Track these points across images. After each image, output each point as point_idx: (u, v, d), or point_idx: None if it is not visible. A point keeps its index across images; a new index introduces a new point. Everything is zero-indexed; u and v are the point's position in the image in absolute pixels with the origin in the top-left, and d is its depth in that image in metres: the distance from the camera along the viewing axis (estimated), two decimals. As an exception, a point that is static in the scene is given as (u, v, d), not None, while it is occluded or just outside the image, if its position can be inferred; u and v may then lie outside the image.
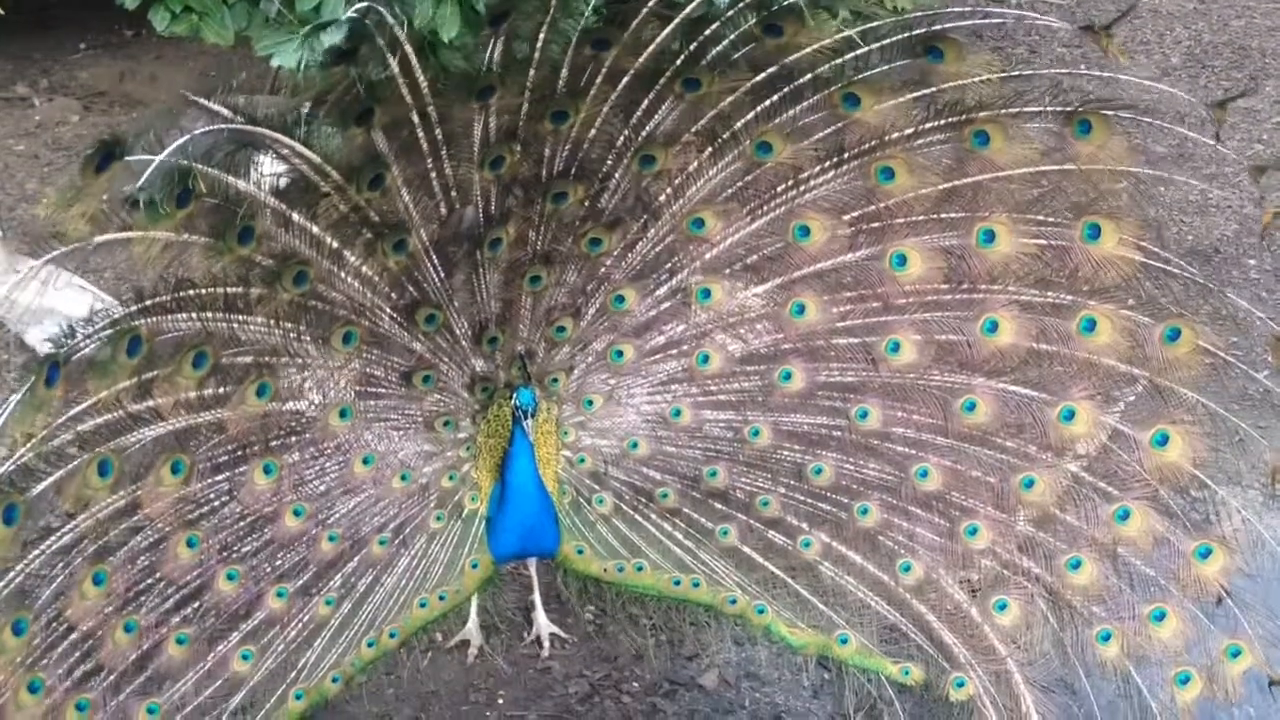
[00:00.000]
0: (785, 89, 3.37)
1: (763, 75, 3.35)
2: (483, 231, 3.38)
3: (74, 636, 3.18)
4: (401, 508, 3.53)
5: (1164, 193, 6.96)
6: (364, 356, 3.42)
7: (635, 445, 3.60)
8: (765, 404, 3.55)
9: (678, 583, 3.65)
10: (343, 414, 3.41)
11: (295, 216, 3.21)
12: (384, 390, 3.48)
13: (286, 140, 3.08)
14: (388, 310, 3.40)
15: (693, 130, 3.39)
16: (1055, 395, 3.46)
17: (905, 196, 3.40)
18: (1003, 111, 3.36)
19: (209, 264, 3.15)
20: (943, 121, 3.37)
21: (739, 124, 3.37)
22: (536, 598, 4.08)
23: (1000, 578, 3.56)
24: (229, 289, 3.18)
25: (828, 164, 3.39)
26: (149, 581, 3.26)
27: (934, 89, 3.37)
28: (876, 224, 3.42)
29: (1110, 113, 3.44)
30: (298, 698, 3.47)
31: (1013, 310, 3.43)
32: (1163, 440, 3.48)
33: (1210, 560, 3.49)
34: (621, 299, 3.51)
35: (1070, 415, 3.46)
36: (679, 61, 3.33)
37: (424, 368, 3.49)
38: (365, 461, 3.47)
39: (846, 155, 3.38)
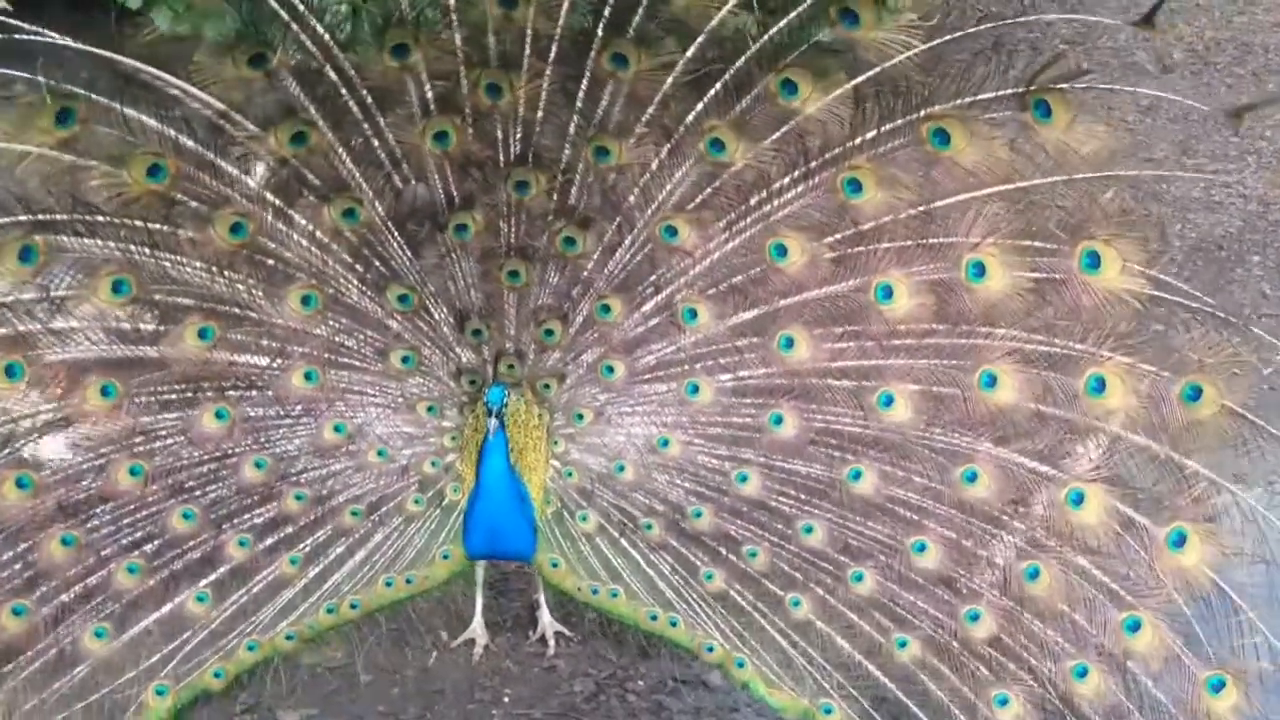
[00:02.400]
0: (725, 77, 3.23)
1: (692, 49, 3.21)
2: (445, 214, 3.39)
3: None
4: (379, 483, 3.56)
5: (1167, 189, 6.97)
6: (330, 324, 3.45)
7: (621, 469, 3.55)
8: (756, 445, 3.46)
9: (654, 617, 3.60)
10: (308, 376, 3.45)
11: (221, 163, 3.29)
12: (358, 363, 3.51)
13: (165, 76, 3.18)
14: (354, 282, 3.43)
15: (642, 120, 3.30)
16: (1063, 473, 3.26)
17: (882, 218, 3.24)
18: (954, 105, 3.15)
19: (115, 193, 3.26)
20: (900, 122, 3.18)
21: (688, 118, 3.27)
22: (541, 596, 4.07)
23: (1003, 669, 3.37)
24: (150, 224, 3.28)
25: (794, 175, 3.27)
26: (91, 502, 3.36)
27: (864, 71, 3.18)
28: (859, 249, 3.27)
29: (1066, 86, 3.12)
30: (250, 648, 3.55)
31: (1013, 362, 3.25)
32: (1180, 540, 3.26)
33: (1223, 695, 3.25)
34: (608, 308, 3.47)
35: (1079, 499, 3.28)
36: (600, 32, 3.23)
37: (402, 347, 3.51)
38: (336, 429, 3.50)
39: (810, 164, 3.24)
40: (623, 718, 3.87)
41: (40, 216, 3.25)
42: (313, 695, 3.82)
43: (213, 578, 3.49)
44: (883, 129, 3.19)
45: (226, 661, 3.55)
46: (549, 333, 3.52)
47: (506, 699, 3.90)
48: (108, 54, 3.17)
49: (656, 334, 3.48)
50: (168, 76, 3.22)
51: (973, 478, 3.32)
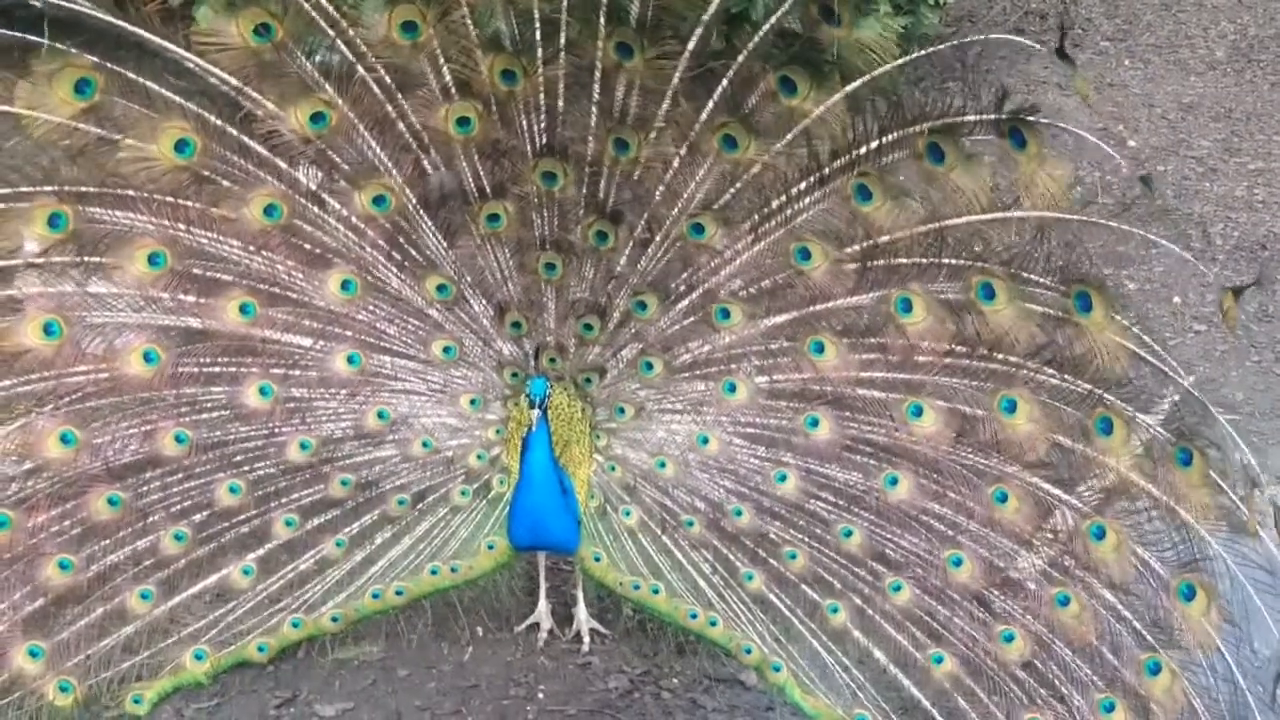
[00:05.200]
0: (729, 73, 3.23)
1: (693, 43, 3.20)
2: (476, 202, 3.42)
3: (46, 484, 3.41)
4: (424, 473, 3.63)
5: (1209, 188, 6.90)
6: (371, 310, 3.50)
7: (663, 465, 3.59)
8: (793, 447, 3.48)
9: (694, 616, 3.63)
10: (350, 360, 3.51)
11: (250, 142, 3.34)
12: (400, 350, 3.56)
13: (172, 48, 3.23)
14: (392, 269, 3.48)
15: (658, 115, 3.30)
16: (1090, 508, 3.27)
17: (894, 230, 3.24)
18: (941, 121, 3.14)
19: (143, 167, 3.31)
20: (896, 135, 3.18)
21: (702, 114, 3.27)
22: (580, 593, 4.08)
23: (1035, 694, 3.37)
24: (181, 200, 3.34)
25: (809, 180, 3.28)
26: (137, 466, 3.46)
27: (857, 76, 3.17)
28: (880, 262, 3.28)
29: (1033, 119, 3.11)
30: (294, 625, 3.66)
31: (1031, 391, 3.25)
32: (1189, 594, 3.27)
33: None
34: (644, 305, 3.50)
35: (1100, 533, 3.29)
36: (602, 19, 3.23)
37: (444, 337, 3.55)
38: (380, 416, 3.58)
39: (823, 169, 3.25)
40: (657, 715, 3.86)
41: (67, 188, 3.31)
42: (349, 689, 3.84)
43: (259, 553, 3.61)
44: (884, 139, 3.19)
45: (270, 636, 3.66)
46: (588, 327, 3.54)
47: (541, 695, 3.90)
48: (120, 23, 3.21)
49: (692, 332, 3.49)
50: (176, 48, 3.27)
51: (1003, 498, 3.33)
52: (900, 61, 3.19)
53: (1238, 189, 6.93)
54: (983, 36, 3.21)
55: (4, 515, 3.40)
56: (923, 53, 3.30)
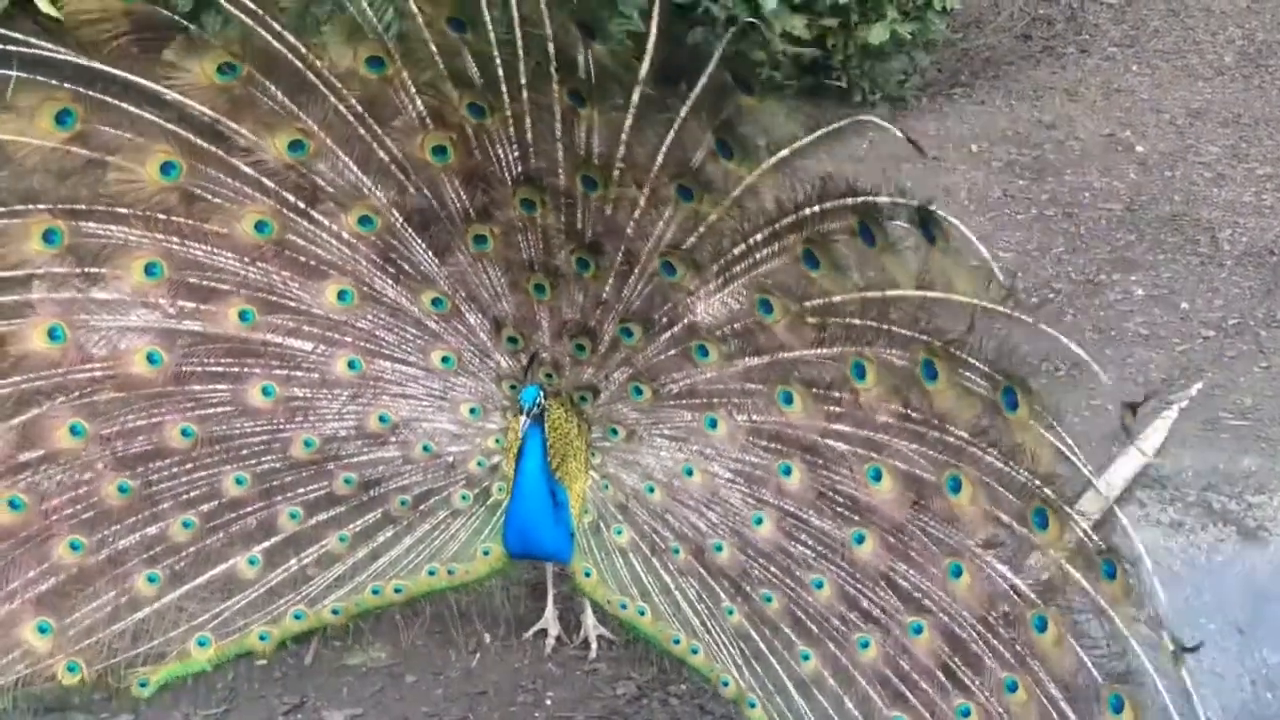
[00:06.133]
0: (671, 130, 3.25)
1: (636, 96, 3.22)
2: (461, 223, 3.50)
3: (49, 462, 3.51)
4: (425, 476, 3.70)
5: (1218, 194, 6.89)
6: (369, 319, 3.59)
7: (651, 490, 3.62)
8: (771, 489, 3.47)
9: (677, 641, 3.63)
10: (351, 364, 3.61)
11: (236, 162, 3.43)
12: (399, 357, 3.64)
13: (130, 77, 3.31)
14: (388, 282, 3.56)
15: (617, 158, 3.32)
16: (1035, 596, 3.23)
17: (845, 295, 3.25)
18: (860, 200, 3.14)
19: (132, 188, 3.41)
20: (831, 205, 3.18)
21: (655, 162, 3.29)
22: (587, 599, 4.07)
23: None
24: (175, 216, 3.44)
25: (764, 234, 3.28)
26: (146, 456, 3.55)
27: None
28: (835, 320, 3.28)
29: (936, 212, 3.07)
30: (297, 617, 3.72)
31: (978, 470, 3.23)
32: (1117, 706, 3.20)
33: None
34: (630, 333, 3.54)
35: (1042, 625, 3.23)
36: (554, 68, 3.28)
37: (442, 347, 3.63)
38: (381, 419, 3.65)
39: (775, 225, 3.26)
40: (665, 721, 3.87)
41: (60, 205, 3.41)
42: (357, 695, 3.84)
43: (265, 545, 3.68)
44: (821, 207, 3.20)
45: (273, 626, 3.72)
46: (580, 348, 3.60)
47: (549, 701, 3.90)
48: (91, 64, 3.31)
49: (676, 364, 3.53)
50: (149, 83, 3.36)
51: (958, 573, 3.29)
52: (810, 138, 3.19)
53: (1246, 194, 6.92)
54: (864, 117, 3.20)
55: (19, 498, 3.50)
56: (826, 131, 3.22)
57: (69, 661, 3.58)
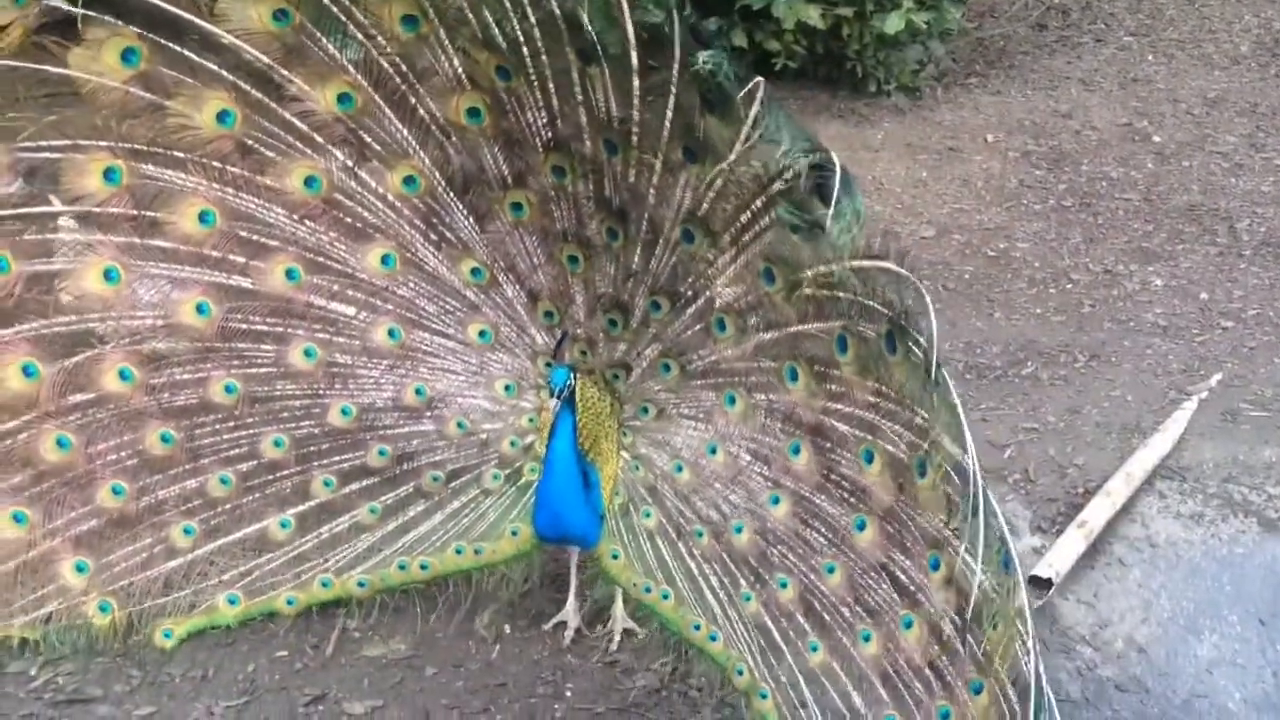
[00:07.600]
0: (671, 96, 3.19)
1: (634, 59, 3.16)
2: (499, 188, 3.51)
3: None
4: (459, 453, 3.75)
5: (1235, 183, 6.87)
6: (410, 286, 3.64)
7: (680, 469, 3.62)
8: (782, 468, 3.45)
9: (697, 628, 3.64)
10: (391, 334, 3.67)
11: (287, 115, 3.46)
12: (438, 329, 3.69)
13: (189, 17, 3.32)
14: (429, 248, 3.60)
15: (632, 121, 3.26)
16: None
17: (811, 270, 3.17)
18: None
19: (189, 134, 3.46)
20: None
21: (663, 131, 3.24)
22: (619, 589, 4.07)
23: None
24: (229, 166, 3.49)
25: (761, 198, 3.22)
26: (190, 410, 3.64)
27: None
28: (824, 292, 3.17)
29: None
30: (324, 585, 3.82)
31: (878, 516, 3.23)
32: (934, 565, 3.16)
33: None
34: (658, 305, 3.54)
35: (978, 689, 3.12)
36: (564, 28, 3.22)
37: (480, 320, 3.67)
38: (417, 392, 3.71)
39: (764, 195, 3.20)
40: (685, 713, 3.86)
41: (121, 144, 3.45)
42: (378, 686, 3.84)
43: (299, 509, 3.76)
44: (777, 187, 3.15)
45: (300, 591, 3.81)
46: (613, 323, 3.60)
47: (569, 693, 3.90)
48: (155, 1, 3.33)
49: (700, 339, 3.53)
50: (207, 25, 3.37)
51: (935, 565, 3.19)
52: (745, 146, 3.15)
53: (1264, 184, 6.90)
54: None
55: (65, 437, 3.57)
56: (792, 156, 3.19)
57: (101, 600, 3.69)
